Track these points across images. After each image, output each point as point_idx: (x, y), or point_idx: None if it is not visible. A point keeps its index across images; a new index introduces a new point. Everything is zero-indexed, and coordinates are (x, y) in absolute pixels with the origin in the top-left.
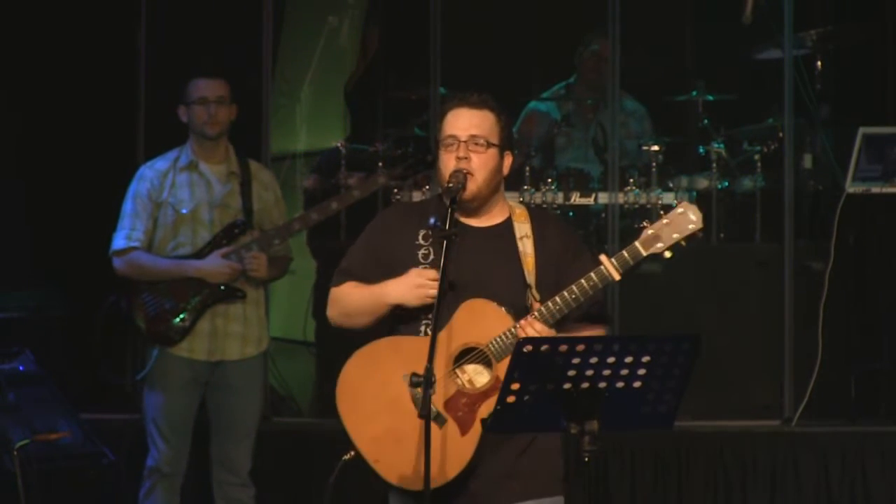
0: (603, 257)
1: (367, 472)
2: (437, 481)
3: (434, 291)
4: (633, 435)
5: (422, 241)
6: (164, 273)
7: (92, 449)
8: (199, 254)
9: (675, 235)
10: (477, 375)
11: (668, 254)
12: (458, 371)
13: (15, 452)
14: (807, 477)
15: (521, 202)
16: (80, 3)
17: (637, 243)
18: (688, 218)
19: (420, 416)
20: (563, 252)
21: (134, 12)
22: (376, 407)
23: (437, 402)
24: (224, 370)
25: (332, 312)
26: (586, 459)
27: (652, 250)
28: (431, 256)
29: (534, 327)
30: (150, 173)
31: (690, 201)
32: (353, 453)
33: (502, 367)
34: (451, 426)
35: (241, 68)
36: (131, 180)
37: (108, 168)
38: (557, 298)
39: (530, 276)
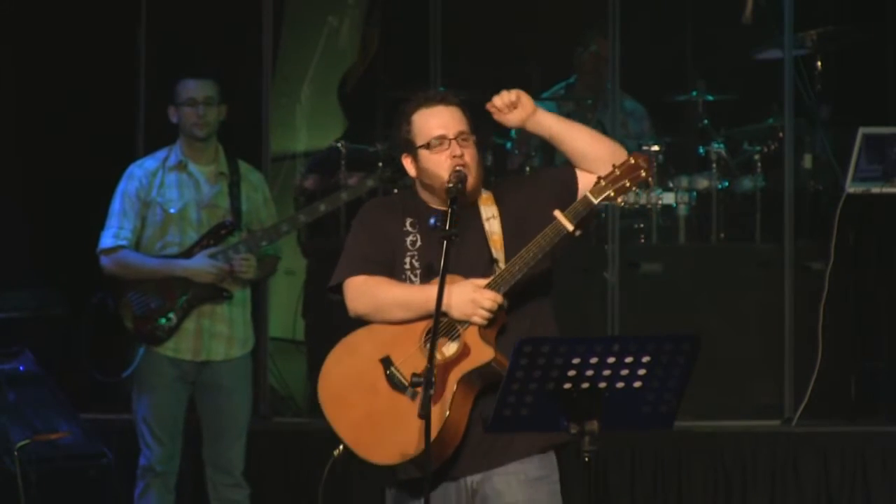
0: (557, 212)
1: (360, 468)
2: (411, 451)
3: (488, 313)
4: (633, 435)
5: (409, 228)
6: (152, 272)
7: (92, 449)
8: (187, 253)
9: (626, 183)
10: (445, 346)
11: (619, 200)
12: (426, 344)
13: (15, 452)
14: (807, 477)
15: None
16: (81, 3)
17: (588, 193)
18: (637, 166)
19: (420, 415)
20: (528, 191)
21: (134, 12)
22: (354, 394)
23: (409, 376)
24: (211, 371)
25: (358, 304)
26: (586, 459)
27: (602, 197)
28: (419, 243)
29: (485, 296)
30: (139, 172)
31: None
32: (341, 447)
33: (469, 334)
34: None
35: (240, 68)
36: (120, 178)
37: (108, 168)
38: (516, 259)
39: (498, 252)
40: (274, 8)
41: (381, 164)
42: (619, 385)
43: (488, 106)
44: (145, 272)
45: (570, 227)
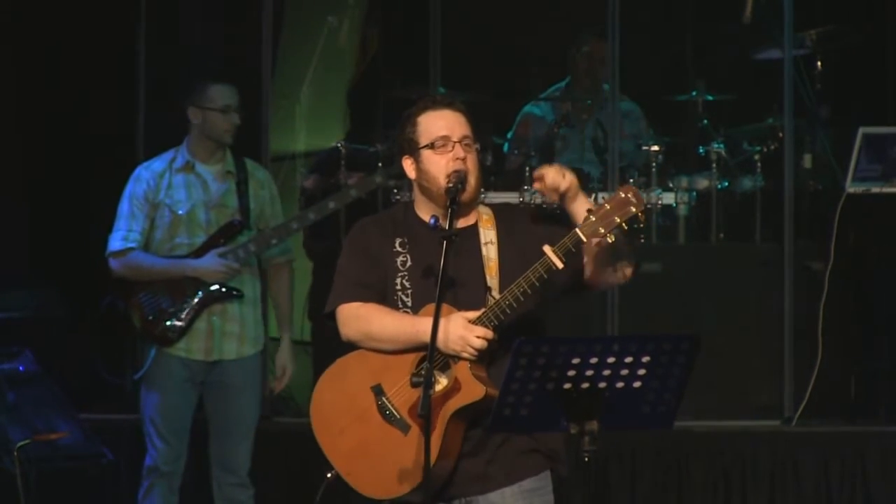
0: (546, 247)
1: (350, 489)
2: (405, 487)
3: (475, 350)
4: (633, 435)
5: (399, 249)
6: (162, 272)
7: (91, 449)
8: (197, 253)
9: (616, 219)
10: (437, 379)
11: (610, 238)
12: (416, 377)
13: (15, 452)
14: (807, 477)
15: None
16: (80, 2)
17: (577, 230)
18: (628, 200)
19: (420, 415)
20: (534, 226)
21: (134, 12)
22: (346, 421)
23: (401, 409)
24: (221, 370)
25: (350, 332)
26: (586, 459)
27: (593, 235)
28: (409, 263)
29: (474, 333)
30: (146, 174)
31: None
32: (334, 472)
33: (460, 370)
34: (415, 431)
35: (240, 68)
36: (127, 181)
37: (108, 168)
38: (507, 293)
39: (493, 280)
40: (274, 8)
41: (380, 164)
42: (619, 385)
43: (536, 174)
44: (155, 273)
45: (560, 264)
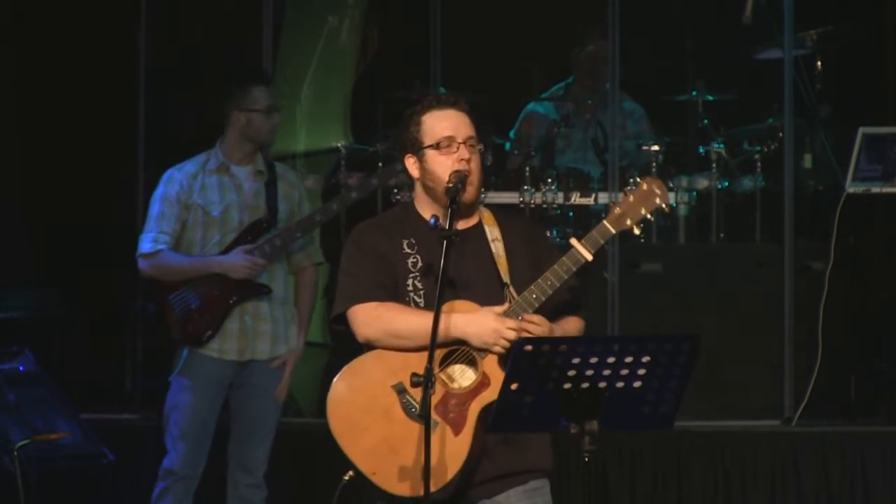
0: (573, 240)
1: (364, 489)
2: (437, 483)
3: (508, 344)
4: (633, 435)
5: (408, 250)
6: (189, 270)
7: (91, 449)
8: (224, 252)
9: (642, 211)
10: (463, 375)
11: (636, 230)
12: (443, 373)
13: (15, 452)
14: (807, 477)
15: (485, 204)
16: (81, 2)
17: (605, 222)
18: (652, 192)
19: (420, 415)
20: (532, 239)
21: (134, 12)
22: (368, 420)
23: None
24: (251, 371)
25: (370, 331)
26: (586, 459)
27: (621, 227)
28: (419, 264)
29: (506, 325)
30: (179, 175)
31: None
32: (352, 473)
33: (488, 364)
34: (444, 428)
35: (241, 68)
36: (158, 183)
37: (109, 168)
38: (534, 287)
39: (506, 276)
40: (274, 8)
41: (381, 164)
42: (619, 385)
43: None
44: (183, 271)
45: (590, 256)
